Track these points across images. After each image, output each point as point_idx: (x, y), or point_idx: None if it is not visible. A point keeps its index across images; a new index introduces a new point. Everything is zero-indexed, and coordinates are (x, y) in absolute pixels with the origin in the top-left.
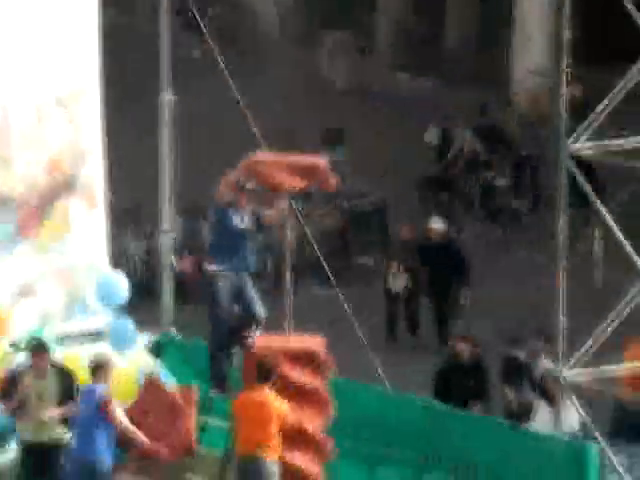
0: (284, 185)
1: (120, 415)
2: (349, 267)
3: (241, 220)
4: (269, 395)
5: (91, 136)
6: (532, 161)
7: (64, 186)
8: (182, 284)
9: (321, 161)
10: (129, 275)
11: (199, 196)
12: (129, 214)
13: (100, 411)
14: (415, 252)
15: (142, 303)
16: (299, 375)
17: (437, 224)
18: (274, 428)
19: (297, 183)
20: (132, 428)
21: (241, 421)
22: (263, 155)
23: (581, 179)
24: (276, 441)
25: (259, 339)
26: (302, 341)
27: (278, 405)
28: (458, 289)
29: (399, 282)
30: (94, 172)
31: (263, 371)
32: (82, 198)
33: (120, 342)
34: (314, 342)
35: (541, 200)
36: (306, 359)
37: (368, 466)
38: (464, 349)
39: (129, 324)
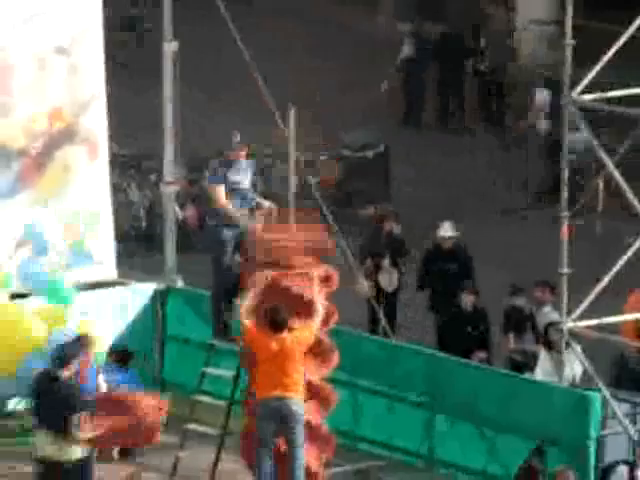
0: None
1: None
2: (350, 218)
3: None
4: (287, 340)
5: (93, 85)
6: None
7: (65, 136)
8: (185, 233)
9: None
10: (132, 225)
11: (202, 146)
12: (132, 164)
13: None
14: (404, 248)
15: (145, 253)
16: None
17: (448, 232)
18: (299, 369)
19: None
20: None
21: (261, 364)
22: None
23: (583, 125)
24: (301, 380)
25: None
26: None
27: (299, 341)
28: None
29: (393, 281)
30: (96, 121)
31: (277, 321)
32: (84, 148)
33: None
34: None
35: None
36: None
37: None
38: (467, 299)
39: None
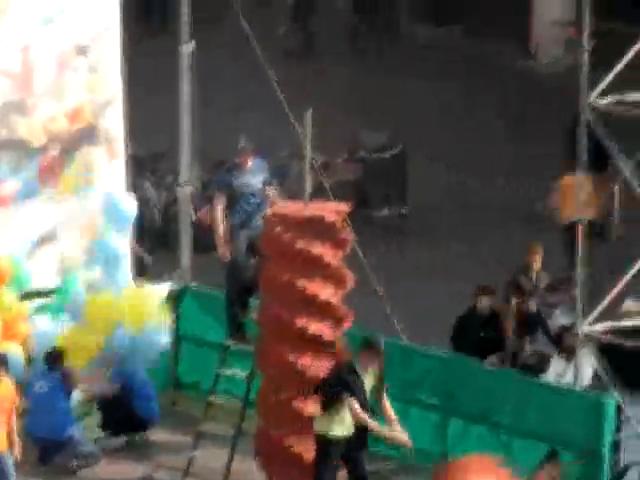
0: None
1: None
2: (368, 220)
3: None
4: None
5: (112, 85)
6: None
7: (85, 135)
8: (200, 233)
9: (333, 216)
10: (148, 224)
11: (218, 147)
12: (149, 164)
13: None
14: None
15: (161, 253)
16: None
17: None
18: None
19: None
20: None
21: None
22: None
23: (601, 131)
24: None
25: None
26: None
27: None
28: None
29: None
30: (115, 121)
31: None
32: (103, 147)
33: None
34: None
35: None
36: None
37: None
38: (483, 300)
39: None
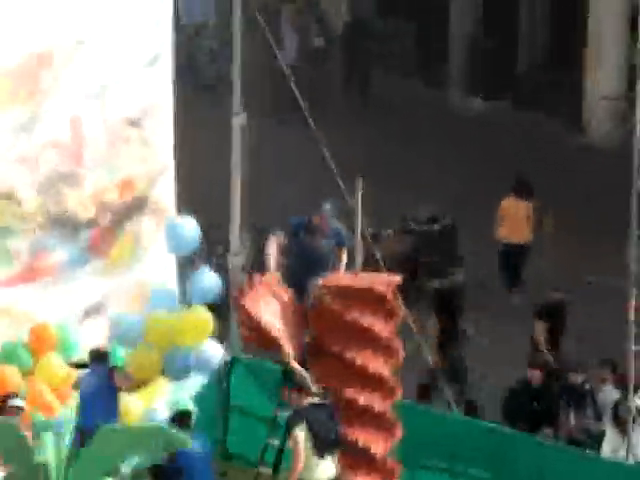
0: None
1: None
2: (419, 291)
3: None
4: None
5: (163, 157)
6: None
7: (135, 207)
8: None
9: (384, 287)
10: None
11: (268, 216)
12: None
13: None
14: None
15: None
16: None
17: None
18: None
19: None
20: None
21: None
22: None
23: None
24: None
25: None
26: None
27: None
28: None
29: None
30: (165, 192)
31: None
32: (153, 218)
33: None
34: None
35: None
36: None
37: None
38: (536, 373)
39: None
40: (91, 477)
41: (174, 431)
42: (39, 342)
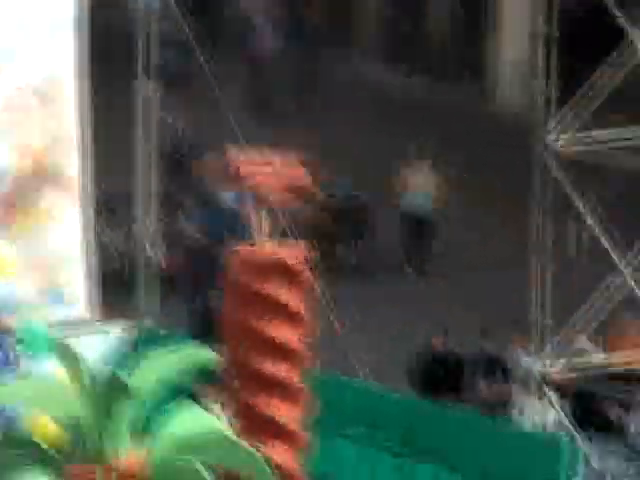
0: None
1: None
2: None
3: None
4: None
5: (69, 124)
6: None
7: (38, 176)
8: (164, 277)
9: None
10: (105, 266)
11: (175, 187)
12: (106, 204)
13: None
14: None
15: (118, 295)
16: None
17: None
18: None
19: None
20: None
21: None
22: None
23: (560, 174)
24: None
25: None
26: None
27: None
28: None
29: None
30: (71, 161)
31: None
32: (59, 187)
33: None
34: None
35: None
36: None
37: (359, 450)
38: (438, 342)
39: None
40: None
41: None
42: None
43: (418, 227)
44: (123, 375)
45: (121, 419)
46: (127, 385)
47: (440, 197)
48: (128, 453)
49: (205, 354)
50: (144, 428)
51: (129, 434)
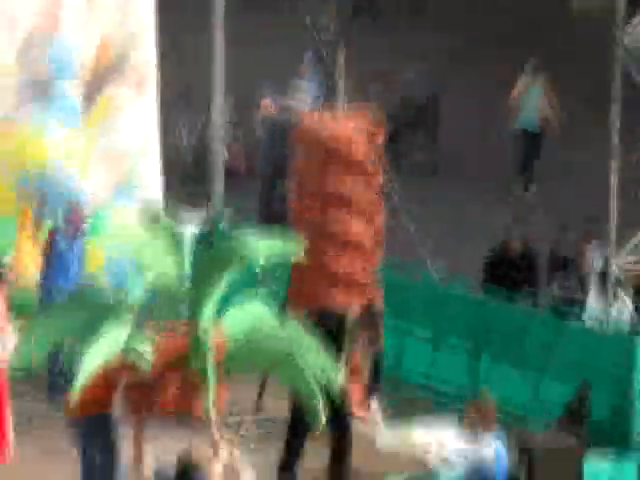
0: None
1: None
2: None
3: None
4: None
5: (142, 19)
6: None
7: (114, 70)
8: (231, 173)
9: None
10: (178, 163)
11: (250, 87)
12: (180, 101)
13: None
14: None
15: (191, 191)
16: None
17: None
18: None
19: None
20: None
21: None
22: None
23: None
24: None
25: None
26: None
27: None
28: None
29: None
30: (145, 57)
31: None
32: (132, 83)
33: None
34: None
35: None
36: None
37: (431, 348)
38: (514, 242)
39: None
40: None
41: None
42: None
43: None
44: (213, 248)
45: (208, 290)
46: (217, 257)
47: (544, 108)
48: (213, 323)
49: (288, 244)
50: (226, 305)
51: (214, 306)
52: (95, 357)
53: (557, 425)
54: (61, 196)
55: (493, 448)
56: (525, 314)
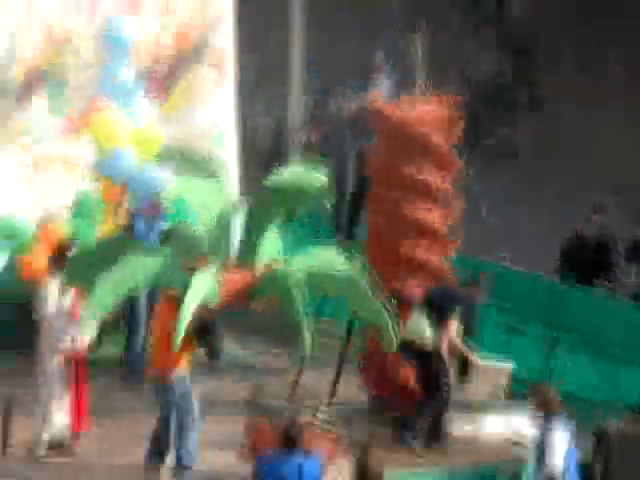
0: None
1: None
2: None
3: None
4: None
5: (221, 6)
6: None
7: (192, 55)
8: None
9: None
10: (256, 145)
11: (327, 72)
12: (258, 85)
13: None
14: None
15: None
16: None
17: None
18: None
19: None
20: None
21: None
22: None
23: None
24: None
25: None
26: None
27: None
28: None
29: None
30: (224, 41)
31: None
32: (211, 68)
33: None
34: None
35: None
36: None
37: (506, 335)
38: (588, 227)
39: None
40: None
41: None
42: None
43: None
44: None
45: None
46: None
47: None
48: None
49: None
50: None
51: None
52: (193, 298)
53: (635, 412)
54: (145, 181)
55: (559, 432)
56: (603, 301)
